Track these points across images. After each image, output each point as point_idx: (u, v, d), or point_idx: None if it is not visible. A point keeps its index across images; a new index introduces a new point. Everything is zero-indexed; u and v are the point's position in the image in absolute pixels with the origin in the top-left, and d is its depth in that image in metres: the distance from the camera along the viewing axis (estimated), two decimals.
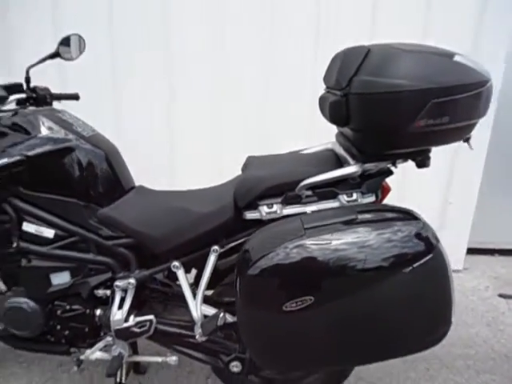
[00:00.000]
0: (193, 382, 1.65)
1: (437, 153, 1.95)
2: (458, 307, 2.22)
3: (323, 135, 1.50)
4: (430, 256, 0.91)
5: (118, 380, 1.44)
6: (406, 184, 2.42)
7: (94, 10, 2.26)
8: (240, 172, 1.35)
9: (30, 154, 1.18)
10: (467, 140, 1.12)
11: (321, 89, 1.28)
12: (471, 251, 2.74)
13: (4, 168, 1.16)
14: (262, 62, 2.33)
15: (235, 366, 1.28)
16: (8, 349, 1.78)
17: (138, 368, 1.68)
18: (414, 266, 0.90)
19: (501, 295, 2.37)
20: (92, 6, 2.25)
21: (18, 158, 1.16)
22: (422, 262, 0.90)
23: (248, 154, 1.40)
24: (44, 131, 1.23)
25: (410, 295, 0.93)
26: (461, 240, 2.60)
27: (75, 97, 1.60)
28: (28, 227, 1.24)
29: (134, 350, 1.51)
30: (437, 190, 2.51)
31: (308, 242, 0.91)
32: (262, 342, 1.03)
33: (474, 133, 1.70)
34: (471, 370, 1.76)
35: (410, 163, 1.15)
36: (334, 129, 1.29)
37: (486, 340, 1.97)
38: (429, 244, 0.92)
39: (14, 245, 1.23)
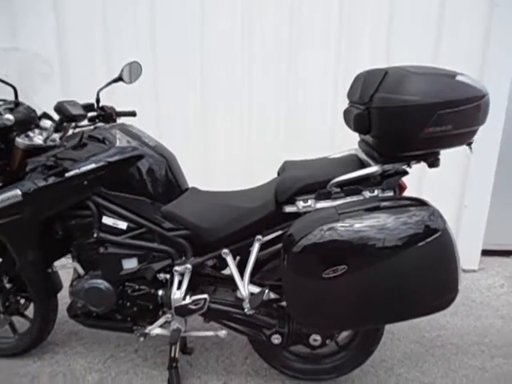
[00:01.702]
0: (233, 361, 1.88)
1: (451, 160, 2.19)
2: (474, 302, 2.42)
3: (343, 145, 1.75)
4: (439, 233, 1.14)
5: (172, 355, 1.68)
6: (423, 190, 2.63)
7: (137, 19, 2.57)
8: (276, 174, 1.60)
9: (111, 160, 1.46)
10: (469, 144, 1.34)
11: (338, 103, 1.54)
12: (487, 253, 2.91)
13: (91, 172, 1.45)
14: (288, 76, 2.61)
15: (276, 339, 1.51)
16: (71, 333, 2.07)
17: (185, 349, 1.92)
18: (427, 241, 1.13)
19: None
20: (136, 15, 2.57)
21: (102, 163, 1.45)
22: (432, 238, 1.13)
23: (273, 159, 1.65)
24: (119, 142, 1.52)
25: (423, 265, 1.15)
26: (476, 241, 2.77)
27: (133, 114, 1.88)
28: (107, 220, 1.51)
29: None
30: (453, 194, 2.70)
31: (342, 223, 1.16)
32: (305, 305, 1.27)
33: (486, 139, 1.90)
34: (485, 355, 1.93)
35: (427, 173, 1.36)
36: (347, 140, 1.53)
37: (500, 330, 2.13)
38: (437, 224, 1.15)
39: (95, 235, 1.51)
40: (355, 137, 1.60)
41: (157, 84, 2.64)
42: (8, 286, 1.74)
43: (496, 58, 2.43)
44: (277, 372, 1.73)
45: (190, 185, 1.76)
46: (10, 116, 1.36)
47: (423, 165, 1.42)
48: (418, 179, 2.60)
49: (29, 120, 1.44)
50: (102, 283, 1.54)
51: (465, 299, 2.45)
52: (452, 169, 2.57)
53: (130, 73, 1.79)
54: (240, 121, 2.70)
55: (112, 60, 2.59)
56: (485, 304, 2.40)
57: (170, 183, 1.59)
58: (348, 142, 1.74)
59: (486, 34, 2.42)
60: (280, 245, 1.49)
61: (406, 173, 1.40)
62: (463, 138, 1.25)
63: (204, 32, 2.57)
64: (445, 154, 1.37)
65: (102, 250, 1.53)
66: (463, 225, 2.74)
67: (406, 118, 1.17)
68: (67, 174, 1.44)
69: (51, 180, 1.46)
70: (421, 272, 1.16)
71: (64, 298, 1.84)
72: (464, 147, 1.34)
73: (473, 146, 1.34)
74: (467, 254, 2.78)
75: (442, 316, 2.24)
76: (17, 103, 1.48)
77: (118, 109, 1.84)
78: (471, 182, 2.65)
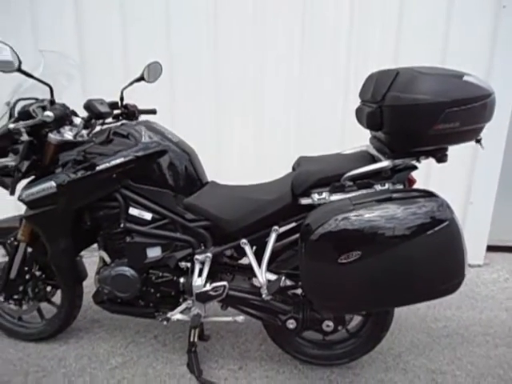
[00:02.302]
0: (248, 347, 1.97)
1: (458, 157, 2.26)
2: (479, 296, 2.50)
3: (352, 143, 1.84)
4: (447, 223, 1.23)
5: (191, 339, 1.78)
6: (430, 186, 2.69)
7: (154, 21, 2.67)
8: (291, 169, 1.69)
9: (138, 154, 1.56)
10: (479, 141, 1.42)
11: (348, 103, 1.62)
12: (492, 248, 2.98)
13: (120, 166, 1.55)
14: (299, 76, 2.70)
15: (291, 324, 1.61)
16: (94, 320, 2.18)
17: (202, 336, 2.01)
18: (435, 229, 1.22)
19: None
20: (153, 17, 2.67)
21: (131, 157, 1.55)
22: (440, 227, 1.22)
23: (284, 157, 1.75)
24: (145, 138, 1.61)
25: (432, 252, 1.25)
26: (481, 237, 2.84)
27: (154, 111, 1.98)
28: (133, 211, 1.61)
29: None
30: (458, 190, 2.77)
31: (356, 213, 1.25)
32: (322, 289, 1.36)
33: (491, 137, 1.99)
34: (489, 344, 2.01)
35: (433, 170, 1.41)
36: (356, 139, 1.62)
37: (504, 322, 2.21)
38: (445, 214, 1.24)
39: (122, 225, 1.61)
40: (364, 136, 1.69)
41: (172, 84, 2.74)
42: (38, 273, 1.85)
43: (503, 58, 2.50)
44: (290, 357, 1.83)
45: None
46: (49, 113, 1.46)
47: (429, 163, 1.50)
48: (424, 176, 2.68)
49: (65, 117, 1.54)
50: (128, 270, 1.64)
51: (470, 293, 2.53)
52: (458, 166, 2.65)
53: (151, 73, 1.89)
54: (253, 120, 2.79)
55: (130, 61, 2.69)
56: (489, 297, 2.48)
57: (191, 177, 1.68)
58: (357, 141, 1.82)
59: (492, 34, 2.49)
60: (294, 236, 1.60)
61: (415, 167, 1.49)
62: (470, 134, 1.34)
63: (217, 33, 2.66)
64: (451, 151, 1.46)
65: (128, 239, 1.63)
66: (469, 221, 2.81)
67: (417, 116, 1.26)
68: (98, 168, 1.54)
69: (83, 173, 1.55)
70: (430, 258, 1.25)
71: (86, 287, 1.95)
72: (471, 144, 1.42)
73: (482, 142, 1.43)
74: (472, 250, 2.82)
75: (447, 309, 2.32)
76: (52, 101, 1.58)
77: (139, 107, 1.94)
78: (477, 179, 2.73)
